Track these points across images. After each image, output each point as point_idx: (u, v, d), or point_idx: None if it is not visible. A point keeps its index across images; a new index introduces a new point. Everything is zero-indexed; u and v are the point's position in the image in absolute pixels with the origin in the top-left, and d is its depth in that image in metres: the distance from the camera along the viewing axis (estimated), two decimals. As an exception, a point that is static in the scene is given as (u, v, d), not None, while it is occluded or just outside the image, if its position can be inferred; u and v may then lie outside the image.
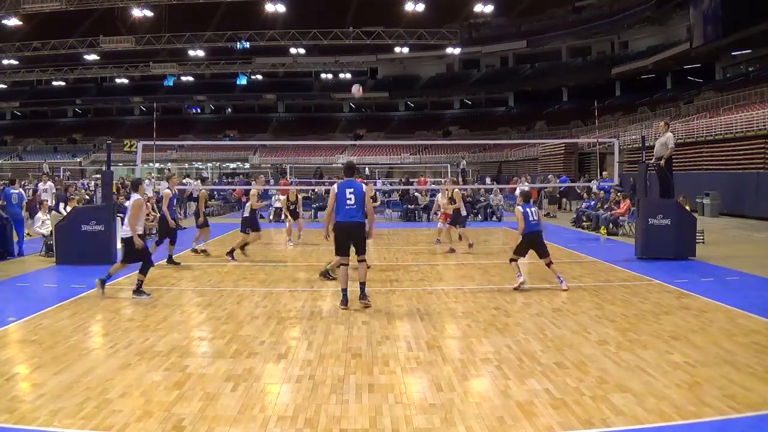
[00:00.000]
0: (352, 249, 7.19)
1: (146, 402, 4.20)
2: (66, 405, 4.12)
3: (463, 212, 12.15)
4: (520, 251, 8.27)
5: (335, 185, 7.33)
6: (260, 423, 3.86)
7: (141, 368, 4.93)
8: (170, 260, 10.33)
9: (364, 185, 7.48)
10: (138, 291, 7.58)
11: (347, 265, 7.17)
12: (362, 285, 7.19)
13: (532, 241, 8.20)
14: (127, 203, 14.67)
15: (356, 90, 12.14)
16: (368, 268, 7.89)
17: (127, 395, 4.34)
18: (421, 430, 3.77)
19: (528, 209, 8.20)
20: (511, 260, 8.29)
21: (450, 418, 3.92)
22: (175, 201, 10.93)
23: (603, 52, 51.29)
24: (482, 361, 5.09)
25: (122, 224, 8.11)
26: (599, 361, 5.05)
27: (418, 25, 47.43)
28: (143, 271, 7.66)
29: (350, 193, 7.11)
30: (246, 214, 10.93)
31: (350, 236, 7.12)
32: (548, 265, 8.27)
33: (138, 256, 7.63)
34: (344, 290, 7.12)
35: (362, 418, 3.93)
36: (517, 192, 18.64)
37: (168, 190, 10.55)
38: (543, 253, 8.25)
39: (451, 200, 11.95)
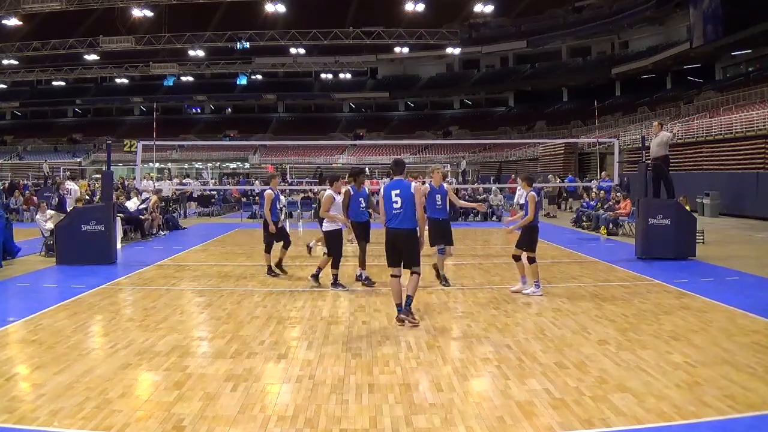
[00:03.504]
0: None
1: (146, 402, 4.20)
2: (66, 405, 4.12)
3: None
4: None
5: (382, 187, 6.56)
6: (260, 423, 3.86)
7: (141, 368, 4.93)
8: (279, 265, 9.35)
9: (413, 184, 6.40)
10: (335, 284, 8.18)
11: (398, 276, 6.29)
12: (409, 298, 6.28)
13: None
14: (127, 203, 14.86)
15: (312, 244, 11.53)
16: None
17: (127, 395, 4.34)
18: (421, 430, 3.77)
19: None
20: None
21: (450, 418, 3.92)
22: (278, 203, 9.78)
23: (603, 52, 51.34)
24: (482, 361, 5.09)
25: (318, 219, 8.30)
26: (599, 361, 5.05)
27: (418, 25, 47.48)
28: (335, 266, 8.20)
29: (396, 195, 6.17)
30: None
31: (398, 245, 6.23)
32: None
33: (335, 249, 8.11)
34: (398, 305, 6.29)
35: (362, 418, 3.93)
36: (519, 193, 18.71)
37: (270, 191, 9.40)
38: None
39: None
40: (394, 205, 6.19)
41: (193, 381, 4.61)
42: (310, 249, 11.39)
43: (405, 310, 6.25)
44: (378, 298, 7.59)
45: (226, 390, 4.42)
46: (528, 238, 7.84)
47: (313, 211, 20.04)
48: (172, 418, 3.92)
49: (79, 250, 10.14)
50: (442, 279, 8.42)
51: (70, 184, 16.81)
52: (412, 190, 6.20)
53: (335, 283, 8.20)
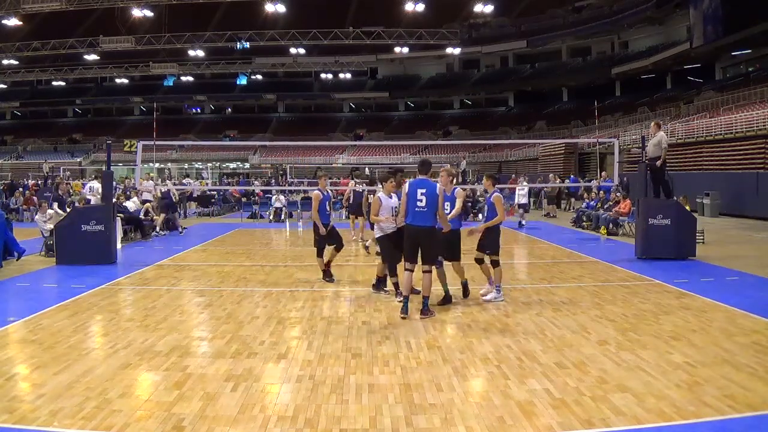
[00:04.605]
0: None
1: (146, 402, 4.20)
2: (66, 405, 4.12)
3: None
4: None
5: (407, 184, 6.70)
6: (260, 423, 3.86)
7: (141, 368, 4.93)
8: (328, 267, 8.84)
9: (438, 185, 6.64)
10: (377, 286, 7.96)
11: (412, 271, 6.59)
12: (425, 299, 6.61)
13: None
14: (127, 203, 14.87)
15: None
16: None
17: (127, 395, 4.34)
18: (421, 430, 3.77)
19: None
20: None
21: (450, 418, 3.92)
22: (327, 204, 8.93)
23: (603, 52, 51.33)
24: (482, 361, 5.09)
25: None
26: (599, 361, 5.05)
27: (418, 25, 47.47)
28: (391, 273, 7.75)
29: (422, 193, 6.45)
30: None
31: (417, 242, 6.52)
32: None
33: (387, 255, 7.52)
34: (405, 298, 6.58)
35: (362, 418, 3.93)
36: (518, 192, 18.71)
37: (318, 192, 8.82)
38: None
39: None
40: (418, 203, 6.45)
41: (193, 381, 4.61)
42: (367, 248, 11.62)
43: (424, 310, 6.58)
44: (378, 298, 7.59)
45: (226, 390, 4.42)
46: (491, 240, 7.46)
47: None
48: (172, 418, 3.92)
49: (79, 250, 10.13)
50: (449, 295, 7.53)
51: (94, 184, 16.91)
52: (437, 191, 6.50)
53: (378, 284, 7.89)
